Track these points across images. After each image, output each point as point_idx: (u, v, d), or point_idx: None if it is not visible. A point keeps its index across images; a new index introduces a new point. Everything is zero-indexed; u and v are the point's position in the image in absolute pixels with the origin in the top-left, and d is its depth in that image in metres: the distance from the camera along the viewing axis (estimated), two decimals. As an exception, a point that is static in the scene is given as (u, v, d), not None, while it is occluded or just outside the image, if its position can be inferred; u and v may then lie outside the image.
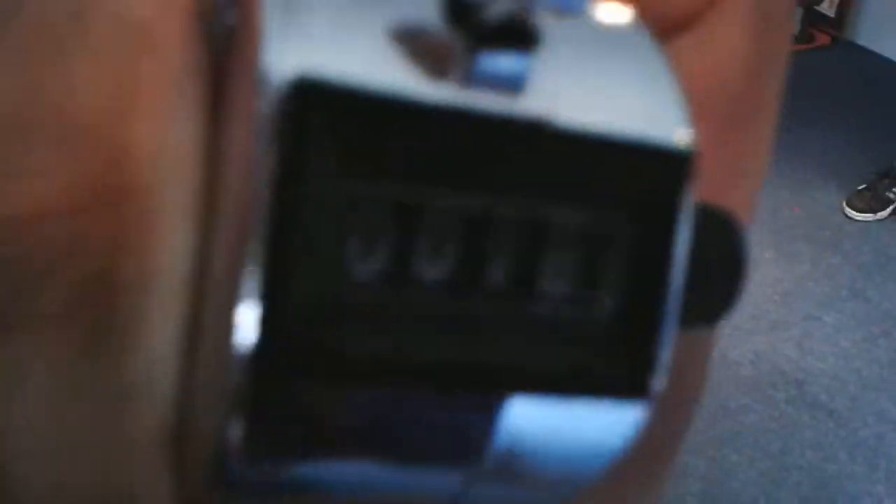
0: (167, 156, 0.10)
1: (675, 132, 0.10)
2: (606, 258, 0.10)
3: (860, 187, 2.90)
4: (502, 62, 0.09)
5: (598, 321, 0.10)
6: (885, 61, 3.73)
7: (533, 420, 0.10)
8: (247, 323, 0.09)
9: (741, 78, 0.13)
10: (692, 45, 0.13)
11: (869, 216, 2.83)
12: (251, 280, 0.09)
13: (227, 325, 0.09)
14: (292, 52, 0.09)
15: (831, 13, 3.88)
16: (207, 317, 0.10)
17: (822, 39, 3.87)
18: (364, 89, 0.09)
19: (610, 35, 0.11)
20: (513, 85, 0.09)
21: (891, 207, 2.84)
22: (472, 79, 0.09)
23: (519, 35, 0.09)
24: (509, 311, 0.10)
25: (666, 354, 0.10)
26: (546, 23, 0.10)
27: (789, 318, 2.52)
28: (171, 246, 0.10)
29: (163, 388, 0.10)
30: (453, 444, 0.10)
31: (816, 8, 3.85)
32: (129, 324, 0.10)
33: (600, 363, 0.10)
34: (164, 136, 0.10)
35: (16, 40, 0.09)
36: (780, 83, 0.15)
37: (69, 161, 0.09)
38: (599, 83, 0.10)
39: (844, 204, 2.89)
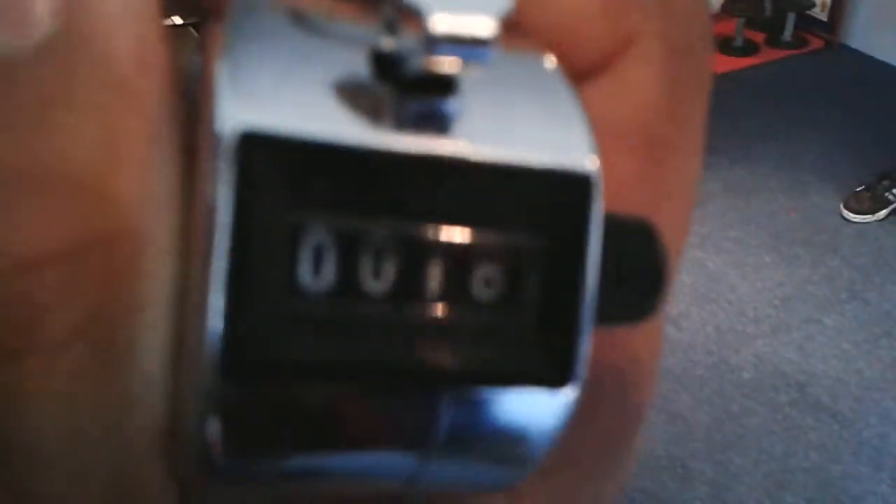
0: (148, 201, 0.11)
1: (581, 159, 0.12)
2: (528, 269, 0.11)
3: (858, 189, 2.91)
4: (425, 108, 0.11)
5: (523, 322, 0.12)
6: (879, 64, 3.75)
7: (473, 408, 0.12)
8: (214, 337, 0.10)
9: (657, 115, 0.14)
10: (608, 86, 0.14)
11: (867, 217, 2.84)
12: (216, 300, 0.10)
13: (200, 340, 0.10)
14: (239, 109, 0.10)
15: (824, 17, 3.89)
16: (188, 334, 0.11)
17: (815, 43, 3.88)
18: (301, 137, 0.10)
19: (526, 77, 0.12)
20: (436, 127, 0.11)
21: (889, 208, 2.85)
22: (400, 123, 0.11)
23: (438, 83, 0.11)
24: (445, 317, 0.11)
25: (585, 348, 0.12)
26: (465, 70, 0.11)
27: (790, 322, 2.52)
28: (156, 278, 0.11)
29: (155, 398, 0.12)
30: (404, 431, 0.11)
31: (808, 12, 3.87)
32: (124, 346, 0.11)
33: (526, 358, 0.12)
34: (145, 183, 0.11)
35: (9, 101, 0.10)
36: (701, 116, 0.16)
37: (62, 211, 0.10)
38: (514, 121, 0.12)
39: (842, 206, 2.90)
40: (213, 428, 0.11)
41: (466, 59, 0.10)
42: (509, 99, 0.12)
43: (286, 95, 0.11)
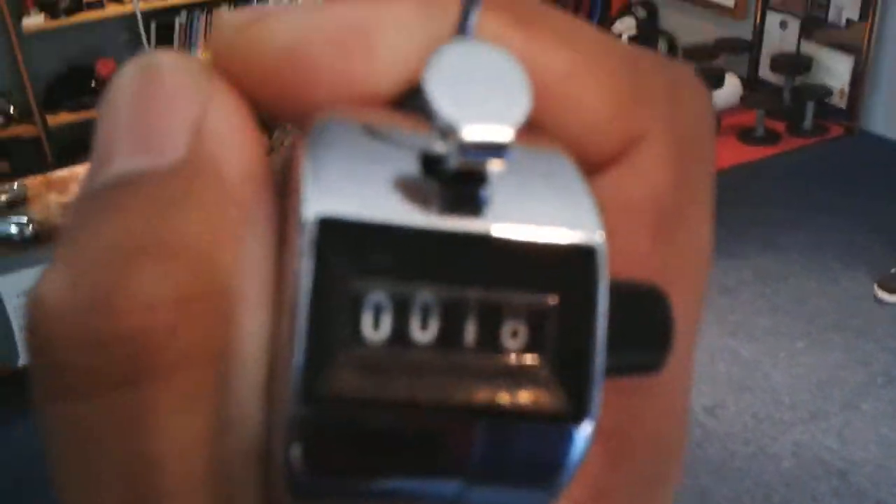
0: (241, 269, 0.14)
1: (588, 234, 0.14)
2: (548, 323, 0.14)
3: (893, 270, 2.90)
4: (461, 197, 0.14)
5: (545, 368, 0.14)
6: (901, 147, 3.77)
7: (503, 438, 0.14)
8: (297, 375, 0.13)
9: (667, 196, 0.16)
10: (622, 173, 0.16)
11: None
12: (299, 347, 0.13)
13: (287, 378, 0.13)
14: (319, 201, 0.13)
15: (843, 105, 3.92)
16: (277, 374, 0.14)
17: (836, 130, 3.90)
18: (365, 221, 0.13)
19: (544, 169, 0.15)
20: (471, 211, 0.14)
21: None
22: (442, 209, 0.13)
23: (471, 177, 0.14)
24: (479, 362, 0.13)
25: (598, 389, 0.14)
26: (494, 170, 0.14)
27: (827, 408, 2.50)
28: (248, 326, 0.14)
29: (250, 423, 0.14)
30: (447, 455, 0.14)
31: (827, 101, 3.89)
32: (221, 379, 0.14)
33: (547, 396, 0.14)
34: (240, 257, 0.14)
35: (146, 200, 0.14)
36: (708, 196, 0.18)
37: (177, 272, 0.14)
38: (535, 204, 0.14)
39: (876, 286, 2.89)
40: (297, 451, 0.13)
41: (491, 158, 0.13)
42: (530, 188, 0.14)
43: (355, 190, 0.13)
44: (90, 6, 4.14)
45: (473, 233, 0.13)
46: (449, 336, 0.13)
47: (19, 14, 4.06)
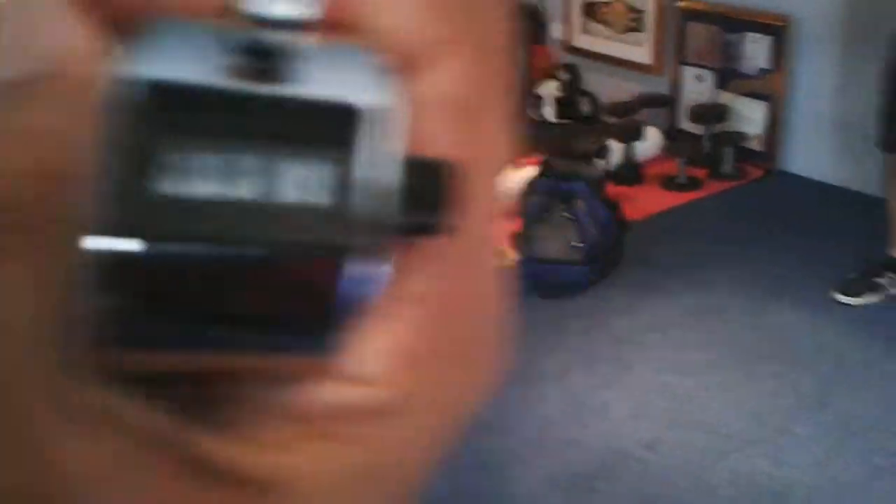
0: (89, 154, 0.15)
1: (362, 98, 0.16)
2: (329, 171, 0.15)
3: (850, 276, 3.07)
4: (255, 67, 0.15)
5: (323, 212, 0.15)
6: (817, 184, 3.89)
7: (284, 276, 0.15)
8: (96, 228, 0.14)
9: (467, 93, 0.19)
10: (428, 73, 0.18)
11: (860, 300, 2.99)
12: (100, 187, 0.14)
13: (94, 216, 0.14)
14: (137, 63, 0.15)
15: (760, 148, 4.06)
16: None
17: (755, 173, 4.03)
18: (176, 82, 0.15)
19: (345, 55, 0.16)
20: (269, 79, 0.15)
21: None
22: (238, 77, 0.15)
23: (264, 52, 0.15)
24: (263, 207, 0.15)
25: (370, 234, 0.16)
26: (293, 46, 0.15)
27: (762, 434, 2.53)
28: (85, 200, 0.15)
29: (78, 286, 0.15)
30: (229, 294, 0.15)
31: (745, 145, 4.03)
32: (59, 244, 0.16)
33: (323, 232, 0.15)
34: (87, 143, 0.15)
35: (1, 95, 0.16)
36: (503, 98, 0.20)
37: (34, 152, 0.16)
38: (327, 77, 0.16)
39: (836, 293, 3.04)
40: (106, 301, 0.15)
41: (290, 32, 0.15)
42: (327, 66, 0.16)
43: (169, 63, 0.15)
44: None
45: (259, 93, 0.15)
46: (230, 185, 0.15)
47: None
